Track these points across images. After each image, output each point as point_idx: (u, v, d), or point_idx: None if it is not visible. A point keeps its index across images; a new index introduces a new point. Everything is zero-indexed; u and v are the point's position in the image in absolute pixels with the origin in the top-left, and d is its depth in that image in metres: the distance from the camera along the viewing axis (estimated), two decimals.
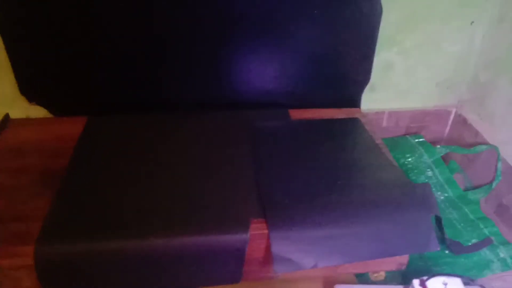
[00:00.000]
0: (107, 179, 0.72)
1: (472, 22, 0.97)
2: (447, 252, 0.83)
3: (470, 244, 0.85)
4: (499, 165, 0.92)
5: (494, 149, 0.94)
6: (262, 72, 0.93)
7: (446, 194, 0.97)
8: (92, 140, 0.82)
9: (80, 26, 0.82)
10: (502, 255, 0.83)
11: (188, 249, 0.63)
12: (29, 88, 0.88)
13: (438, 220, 0.73)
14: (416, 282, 0.63)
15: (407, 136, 1.09)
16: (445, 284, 0.64)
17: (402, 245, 0.66)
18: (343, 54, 0.93)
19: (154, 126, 0.87)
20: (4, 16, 0.79)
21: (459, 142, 1.07)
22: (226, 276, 0.66)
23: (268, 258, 0.66)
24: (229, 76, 0.92)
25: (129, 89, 0.91)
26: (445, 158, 1.05)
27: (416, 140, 1.06)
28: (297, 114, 0.95)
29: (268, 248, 0.65)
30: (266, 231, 0.64)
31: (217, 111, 0.92)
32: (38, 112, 0.92)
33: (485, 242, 0.85)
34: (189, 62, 0.89)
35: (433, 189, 0.97)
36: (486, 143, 0.97)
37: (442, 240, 0.78)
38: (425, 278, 0.64)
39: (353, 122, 0.93)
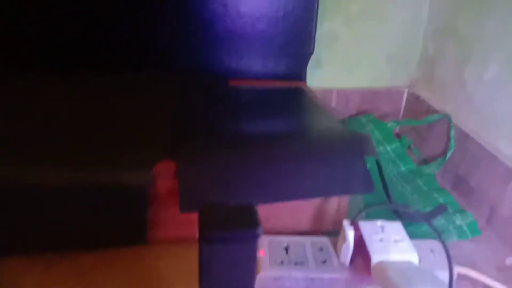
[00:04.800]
0: None
1: None
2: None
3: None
4: (452, 133, 0.84)
5: (446, 119, 0.87)
6: (190, 37, 0.86)
7: (398, 169, 0.88)
8: None
9: None
10: (458, 222, 0.73)
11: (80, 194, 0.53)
12: None
13: (379, 167, 0.64)
14: (346, 222, 0.53)
15: (357, 116, 1.02)
16: (382, 227, 0.54)
17: (330, 183, 0.56)
18: (281, 21, 0.88)
19: (61, 84, 0.78)
20: None
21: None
22: (128, 230, 0.55)
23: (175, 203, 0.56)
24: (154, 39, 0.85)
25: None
26: (397, 135, 0.98)
27: (366, 118, 0.99)
28: (235, 84, 0.88)
29: (176, 192, 0.55)
30: (173, 170, 0.55)
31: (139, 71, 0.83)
32: None
33: (439, 209, 0.75)
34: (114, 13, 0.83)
35: (384, 165, 0.88)
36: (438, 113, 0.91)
37: (388, 197, 0.69)
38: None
39: (298, 90, 0.86)
